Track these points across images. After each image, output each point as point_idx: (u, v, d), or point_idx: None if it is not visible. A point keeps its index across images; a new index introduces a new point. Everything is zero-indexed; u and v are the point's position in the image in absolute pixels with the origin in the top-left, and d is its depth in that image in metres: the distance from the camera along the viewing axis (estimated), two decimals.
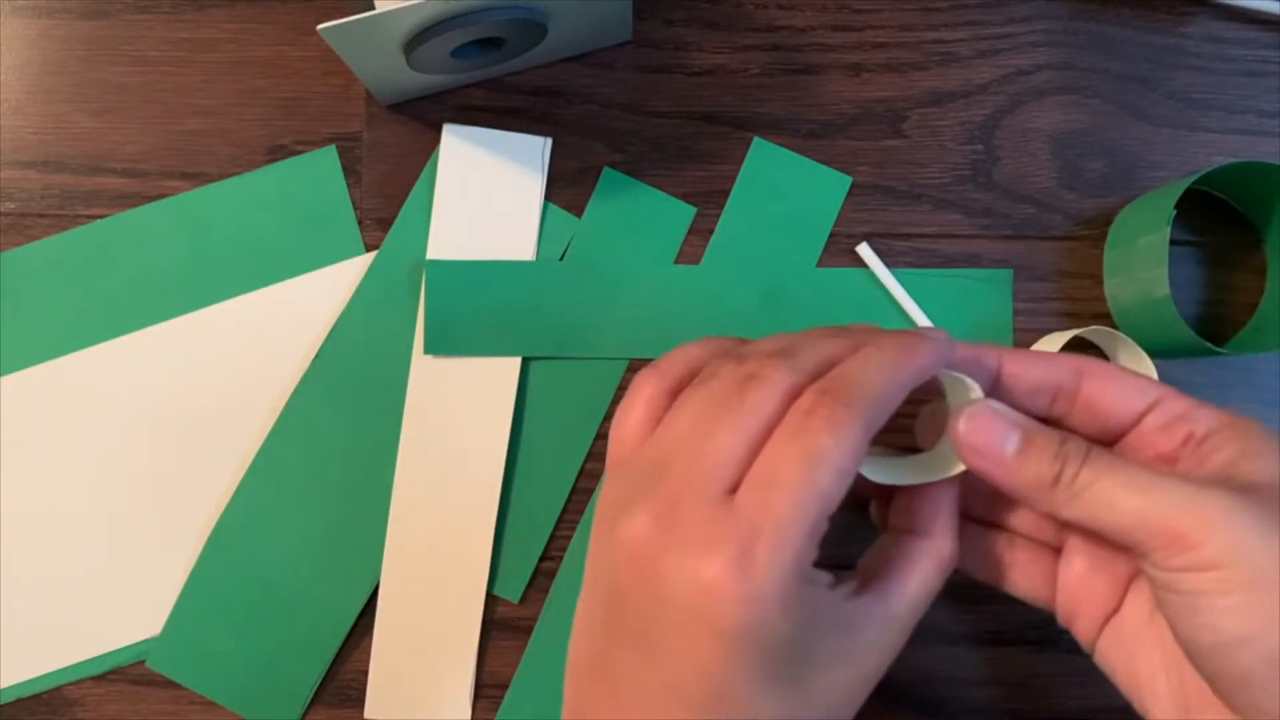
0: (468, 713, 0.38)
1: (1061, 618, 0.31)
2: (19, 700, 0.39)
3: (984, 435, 0.27)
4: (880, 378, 0.26)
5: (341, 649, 0.39)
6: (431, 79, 0.40)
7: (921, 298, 0.40)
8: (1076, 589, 0.30)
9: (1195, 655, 0.25)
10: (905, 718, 0.39)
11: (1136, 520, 0.25)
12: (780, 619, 0.24)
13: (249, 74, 0.42)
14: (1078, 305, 0.41)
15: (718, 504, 0.25)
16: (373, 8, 0.35)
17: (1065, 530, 0.31)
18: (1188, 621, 0.25)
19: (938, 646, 0.40)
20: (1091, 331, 0.39)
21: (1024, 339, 0.41)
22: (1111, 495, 0.26)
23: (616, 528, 0.26)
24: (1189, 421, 0.27)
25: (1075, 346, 0.40)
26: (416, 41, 0.36)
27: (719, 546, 0.24)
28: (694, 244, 0.41)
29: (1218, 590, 0.24)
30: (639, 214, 0.41)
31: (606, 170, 0.41)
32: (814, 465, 0.24)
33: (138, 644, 0.39)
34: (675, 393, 0.28)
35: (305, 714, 0.39)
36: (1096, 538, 0.29)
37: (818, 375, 0.26)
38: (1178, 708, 0.27)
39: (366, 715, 0.38)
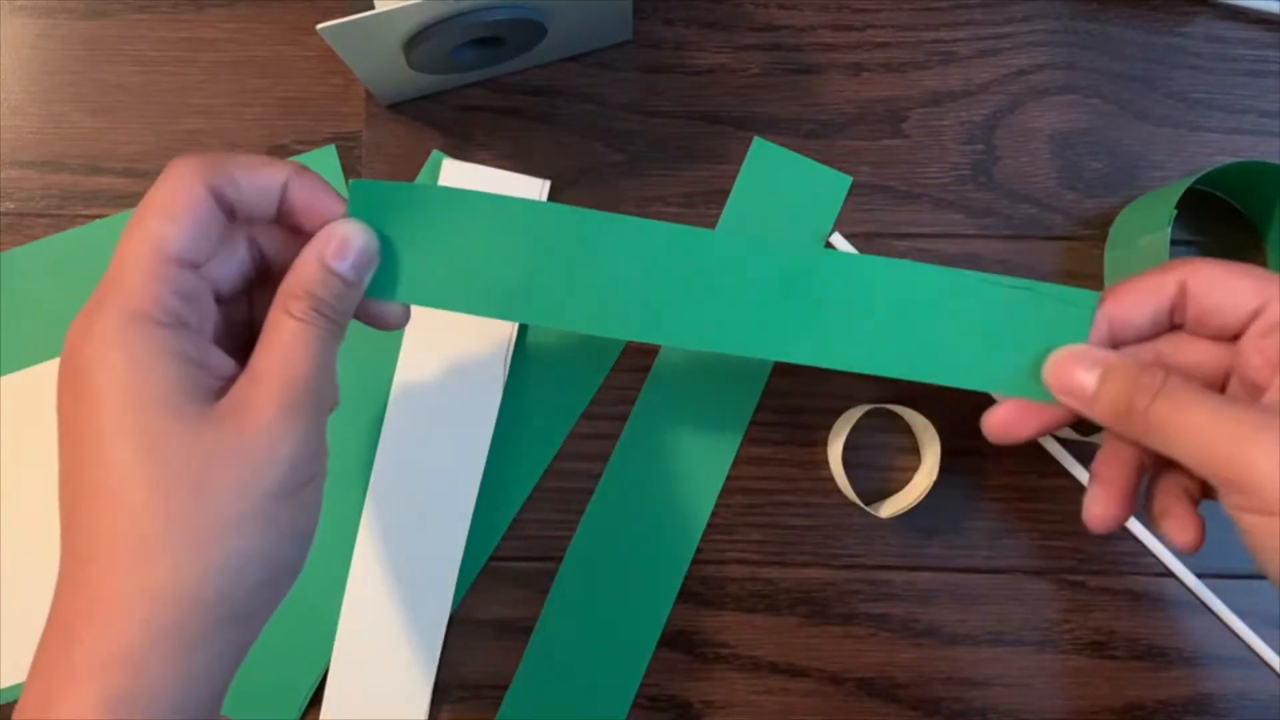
0: (424, 714, 0.38)
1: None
2: None
3: (1065, 377, 0.29)
4: (251, 158, 0.28)
5: None
6: (431, 79, 0.40)
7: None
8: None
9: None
10: (904, 717, 0.39)
11: (1201, 458, 0.26)
12: (115, 352, 0.24)
13: (249, 74, 0.42)
14: None
15: None
16: (373, 8, 0.35)
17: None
18: (1256, 553, 0.26)
19: (937, 646, 0.40)
20: None
21: None
22: (1178, 430, 0.27)
23: None
24: None
25: None
26: (416, 41, 0.36)
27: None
28: None
29: (1270, 533, 0.25)
30: None
31: None
32: (141, 209, 0.26)
33: None
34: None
35: (302, 718, 0.39)
36: None
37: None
38: None
39: (323, 716, 0.38)
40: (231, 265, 0.29)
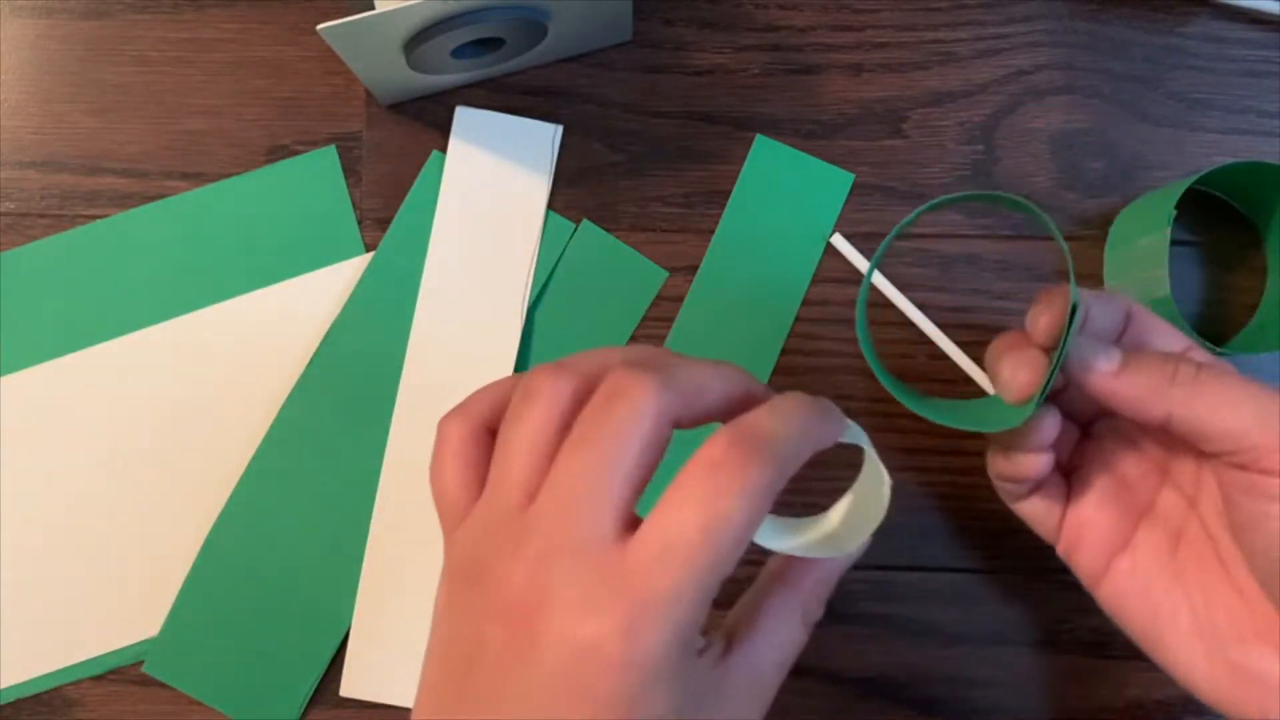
0: None
1: (1061, 550, 0.33)
2: (19, 700, 0.39)
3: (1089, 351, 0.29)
4: (794, 435, 0.24)
5: (338, 653, 0.39)
6: (431, 79, 0.40)
7: None
8: (1082, 524, 0.32)
9: (1270, 559, 0.27)
10: (904, 717, 0.39)
11: (1255, 423, 0.27)
12: (665, 693, 0.22)
13: (249, 74, 0.42)
14: None
15: (604, 558, 0.22)
16: (373, 8, 0.35)
17: (1078, 466, 0.33)
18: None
19: (938, 646, 0.40)
20: None
21: None
22: (1232, 396, 0.28)
23: (483, 585, 0.23)
24: None
25: None
26: (416, 41, 0.36)
27: (605, 609, 0.22)
28: (695, 244, 0.41)
29: None
30: (612, 271, 0.41)
31: (585, 223, 0.41)
32: (718, 533, 0.22)
33: (137, 644, 0.39)
34: (489, 431, 0.26)
35: (302, 718, 0.39)
36: (1111, 473, 0.32)
37: (690, 400, 0.24)
38: (1203, 639, 0.29)
39: (342, 693, 0.38)
40: None
